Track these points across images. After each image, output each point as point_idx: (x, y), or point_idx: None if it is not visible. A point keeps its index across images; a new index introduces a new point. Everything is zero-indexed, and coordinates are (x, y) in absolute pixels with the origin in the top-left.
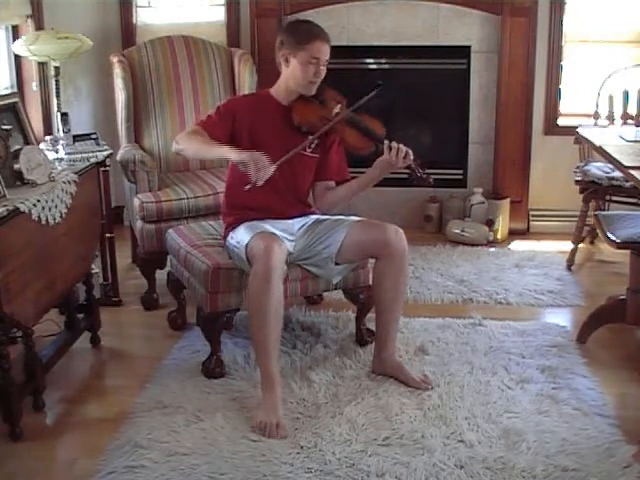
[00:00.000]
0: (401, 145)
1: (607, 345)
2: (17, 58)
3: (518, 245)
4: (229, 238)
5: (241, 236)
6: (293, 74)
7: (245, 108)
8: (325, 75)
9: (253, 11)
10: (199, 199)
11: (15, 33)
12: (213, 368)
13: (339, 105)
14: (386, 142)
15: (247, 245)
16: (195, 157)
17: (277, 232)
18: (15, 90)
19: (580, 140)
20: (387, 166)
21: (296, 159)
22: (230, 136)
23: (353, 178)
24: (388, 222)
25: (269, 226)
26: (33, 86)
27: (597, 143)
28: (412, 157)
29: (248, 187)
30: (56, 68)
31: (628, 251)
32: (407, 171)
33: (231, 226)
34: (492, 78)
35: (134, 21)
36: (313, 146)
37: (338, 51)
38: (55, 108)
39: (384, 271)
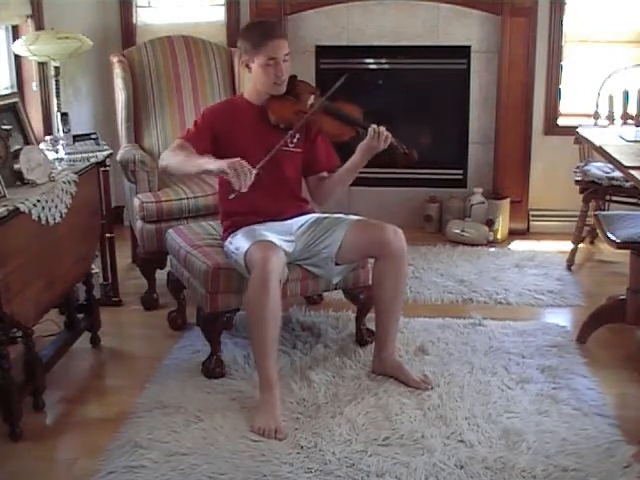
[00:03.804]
0: (382, 128)
1: (607, 345)
2: (17, 58)
3: (518, 245)
4: (227, 243)
5: (240, 242)
6: (257, 78)
7: (221, 115)
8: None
9: (253, 11)
10: (199, 199)
11: (15, 33)
12: (213, 368)
13: (312, 96)
14: (371, 128)
15: (246, 253)
16: (178, 173)
17: (275, 238)
18: (15, 90)
19: (580, 140)
20: (370, 149)
21: (281, 157)
22: (213, 145)
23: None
24: (388, 222)
25: (267, 232)
26: (33, 86)
27: (597, 143)
28: (391, 136)
29: (232, 196)
30: (56, 68)
31: (628, 251)
32: (392, 152)
33: (229, 229)
34: (492, 78)
35: (134, 21)
36: (295, 141)
37: (338, 51)
38: (55, 108)
39: (384, 271)
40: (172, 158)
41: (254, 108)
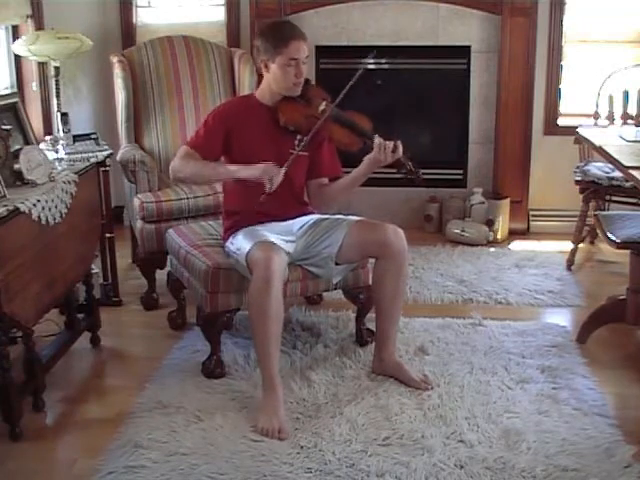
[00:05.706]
0: (388, 142)
1: (607, 345)
2: (17, 58)
3: (518, 245)
4: (229, 243)
5: (241, 243)
6: (275, 78)
7: (232, 112)
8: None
9: (253, 11)
10: (199, 199)
11: (15, 33)
12: (213, 368)
13: (324, 102)
14: (376, 140)
15: (247, 253)
16: (198, 181)
17: (277, 238)
18: (15, 90)
19: (580, 140)
20: (376, 162)
21: (287, 159)
22: (224, 145)
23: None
24: (388, 222)
25: (268, 232)
26: (33, 86)
27: (597, 143)
28: (401, 151)
29: (264, 197)
30: (56, 68)
31: (628, 251)
32: (397, 168)
33: (230, 230)
34: (492, 78)
35: (134, 21)
36: (303, 144)
37: (338, 51)
38: (55, 108)
39: (384, 271)
40: (188, 168)
41: (265, 108)
